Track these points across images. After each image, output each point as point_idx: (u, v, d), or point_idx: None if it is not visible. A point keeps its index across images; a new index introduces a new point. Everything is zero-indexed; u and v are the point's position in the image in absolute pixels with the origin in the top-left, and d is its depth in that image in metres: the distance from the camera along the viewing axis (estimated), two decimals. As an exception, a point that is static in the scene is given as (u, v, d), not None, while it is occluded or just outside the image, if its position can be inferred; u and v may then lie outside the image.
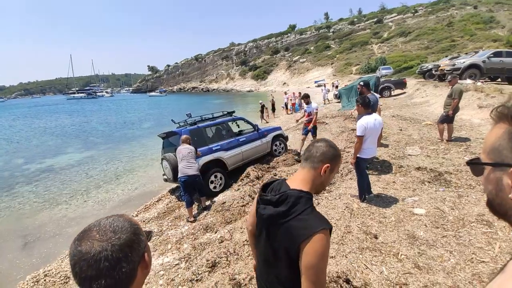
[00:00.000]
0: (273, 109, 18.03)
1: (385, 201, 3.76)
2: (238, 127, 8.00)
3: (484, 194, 0.61)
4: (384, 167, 4.99)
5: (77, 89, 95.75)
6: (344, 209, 3.56)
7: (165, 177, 6.30)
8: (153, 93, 79.00)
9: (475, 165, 0.62)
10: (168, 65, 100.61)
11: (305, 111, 7.04)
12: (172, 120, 6.96)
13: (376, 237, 2.92)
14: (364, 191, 3.80)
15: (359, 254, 2.68)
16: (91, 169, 9.83)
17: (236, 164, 6.58)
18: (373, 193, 3.96)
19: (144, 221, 5.16)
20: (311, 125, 6.73)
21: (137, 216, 5.65)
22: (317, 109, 6.77)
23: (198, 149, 5.33)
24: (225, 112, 7.38)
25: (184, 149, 4.85)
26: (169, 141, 6.54)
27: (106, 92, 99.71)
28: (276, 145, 7.55)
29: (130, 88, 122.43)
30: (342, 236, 2.98)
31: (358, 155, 3.63)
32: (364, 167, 3.75)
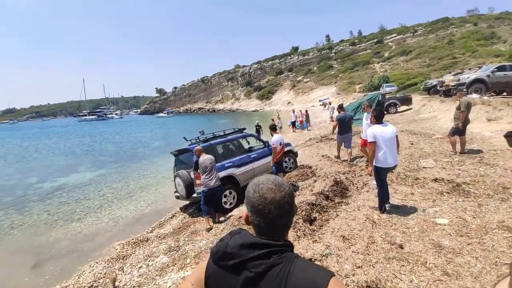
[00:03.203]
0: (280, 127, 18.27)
1: (406, 212, 3.73)
2: (249, 144, 8.12)
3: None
4: (400, 180, 4.98)
5: (87, 111, 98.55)
6: (365, 220, 3.54)
7: (177, 194, 6.31)
8: (160, 114, 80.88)
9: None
10: (175, 87, 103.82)
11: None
12: (184, 137, 7.03)
13: (401, 247, 2.88)
14: (384, 202, 3.79)
15: (386, 264, 2.65)
16: (103, 187, 9.94)
17: (248, 180, 6.59)
18: (390, 202, 3.95)
19: (160, 236, 5.15)
20: (272, 161, 5.74)
21: (152, 232, 5.65)
22: (274, 144, 5.54)
23: None
24: (236, 129, 7.53)
25: (206, 161, 4.97)
26: (181, 158, 6.64)
27: (116, 114, 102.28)
28: (285, 161, 7.59)
29: (138, 110, 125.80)
30: (367, 247, 2.95)
31: (375, 165, 3.67)
32: (382, 178, 3.75)
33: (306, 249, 3.07)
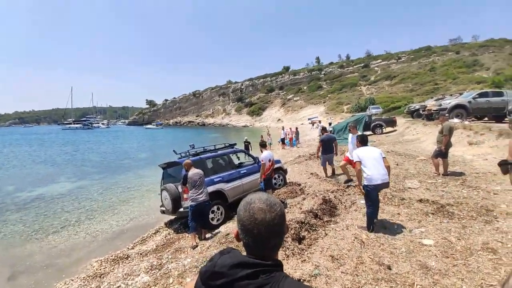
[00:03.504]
0: (270, 143, 18.39)
1: (393, 232, 3.76)
2: (239, 159, 8.09)
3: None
4: (387, 199, 5.05)
5: (73, 119, 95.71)
6: (354, 240, 3.53)
7: (162, 208, 6.09)
8: (149, 126, 79.68)
9: (505, 165, 0.76)
10: (166, 99, 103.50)
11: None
12: (173, 150, 6.87)
13: (389, 268, 2.88)
14: (372, 221, 3.82)
15: (375, 285, 2.62)
16: (83, 199, 9.49)
17: (237, 196, 6.46)
18: (377, 218, 4.01)
19: (141, 253, 4.91)
20: (261, 178, 5.69)
21: (133, 248, 5.38)
22: (263, 160, 5.59)
23: None
24: (227, 144, 7.48)
25: (195, 175, 4.86)
26: (169, 172, 6.46)
27: (102, 123, 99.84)
28: (275, 178, 7.56)
29: (126, 120, 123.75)
30: (356, 267, 2.93)
31: (364, 183, 3.75)
32: (372, 197, 3.77)
33: (295, 269, 3.00)
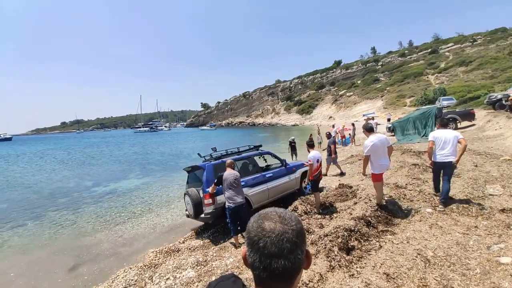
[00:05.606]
0: (319, 142, 17.57)
1: (467, 249, 3.08)
2: (266, 162, 7.67)
3: None
4: (461, 209, 4.21)
5: (142, 124, 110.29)
6: (416, 256, 2.99)
7: (186, 213, 6.05)
8: (204, 127, 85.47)
9: None
10: (219, 102, 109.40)
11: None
12: (198, 154, 6.88)
13: (462, 295, 2.33)
14: (436, 187, 4.83)
15: (442, 315, 2.15)
16: (146, 194, 10.60)
17: (262, 202, 6.05)
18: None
19: (190, 248, 5.16)
20: (308, 179, 5.51)
21: (184, 242, 5.70)
22: (310, 160, 5.31)
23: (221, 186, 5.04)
24: (252, 146, 7.13)
25: (230, 176, 4.79)
26: (195, 174, 6.36)
27: (165, 126, 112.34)
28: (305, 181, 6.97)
29: (185, 123, 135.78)
30: (416, 290, 2.46)
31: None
32: (433, 170, 4.82)
33: (341, 284, 2.69)
